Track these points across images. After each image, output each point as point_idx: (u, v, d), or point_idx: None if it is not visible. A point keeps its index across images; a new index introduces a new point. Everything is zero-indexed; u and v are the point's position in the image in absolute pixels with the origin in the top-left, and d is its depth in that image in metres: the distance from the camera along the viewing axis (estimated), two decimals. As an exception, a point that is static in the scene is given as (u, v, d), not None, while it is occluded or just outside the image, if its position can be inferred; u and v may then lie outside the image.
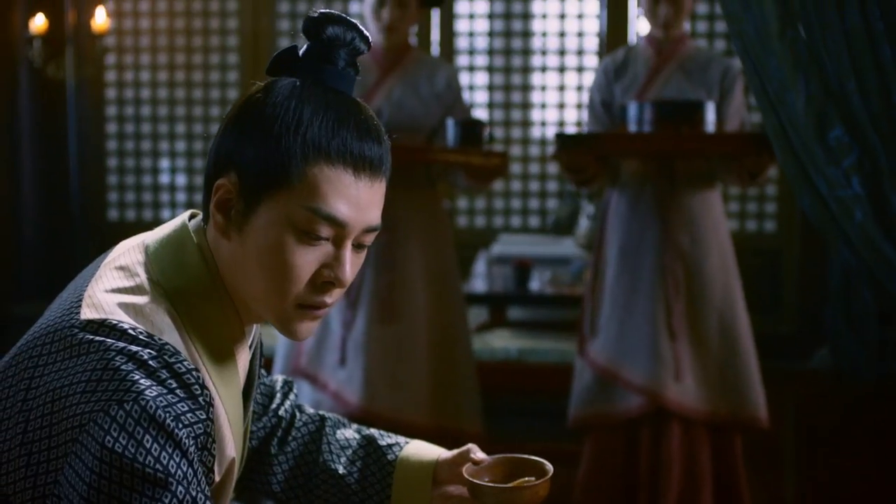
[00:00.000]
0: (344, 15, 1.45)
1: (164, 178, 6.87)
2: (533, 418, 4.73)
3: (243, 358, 1.52)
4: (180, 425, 1.31)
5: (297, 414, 1.84)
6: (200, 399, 1.35)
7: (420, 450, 1.77)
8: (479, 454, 1.67)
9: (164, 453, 1.29)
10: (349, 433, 1.81)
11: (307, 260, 1.42)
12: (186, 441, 1.31)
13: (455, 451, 1.71)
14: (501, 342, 5.01)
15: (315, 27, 1.44)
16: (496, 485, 1.61)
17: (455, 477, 1.70)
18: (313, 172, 1.39)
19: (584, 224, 5.61)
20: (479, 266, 5.88)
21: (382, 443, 1.78)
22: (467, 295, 5.18)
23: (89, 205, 6.61)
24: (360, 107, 1.45)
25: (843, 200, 2.27)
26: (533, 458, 1.63)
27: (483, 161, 3.66)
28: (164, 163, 6.87)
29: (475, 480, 1.62)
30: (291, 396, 1.85)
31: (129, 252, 1.49)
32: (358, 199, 1.42)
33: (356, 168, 1.41)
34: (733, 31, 2.34)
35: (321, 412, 1.85)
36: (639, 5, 3.87)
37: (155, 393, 1.30)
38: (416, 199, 3.83)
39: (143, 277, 1.44)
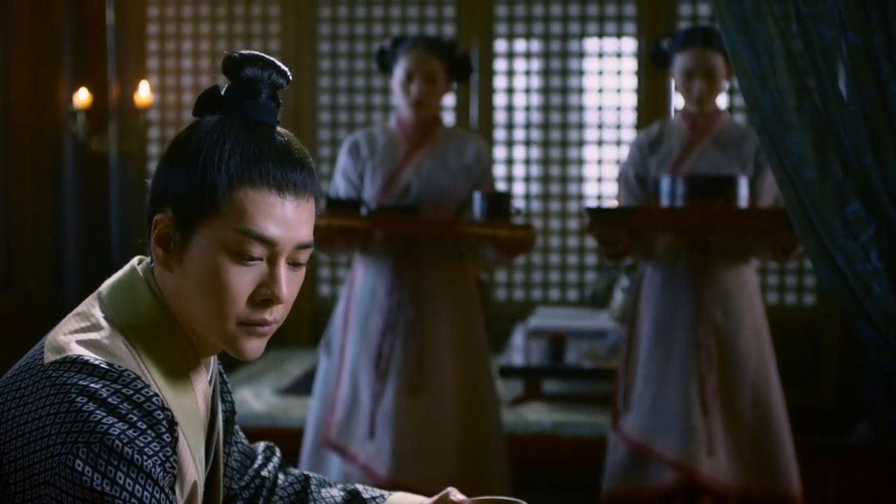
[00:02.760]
0: (261, 54, 1.54)
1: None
2: (566, 492, 4.68)
3: (202, 387, 1.58)
4: (145, 457, 1.38)
5: (281, 475, 1.87)
6: (164, 422, 1.43)
7: (402, 500, 1.81)
8: (458, 496, 1.70)
9: (137, 486, 1.36)
10: (334, 491, 1.85)
11: (243, 280, 1.49)
12: (154, 470, 1.39)
13: (435, 497, 1.74)
14: (535, 415, 4.99)
15: (234, 67, 1.53)
16: None
17: None
18: (239, 196, 1.47)
19: (618, 297, 5.60)
20: (517, 339, 5.88)
21: (366, 496, 1.82)
22: (504, 368, 5.18)
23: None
24: (280, 133, 1.53)
25: (861, 275, 2.26)
26: (511, 498, 1.64)
27: (509, 234, 3.67)
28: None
29: None
30: (274, 459, 1.89)
31: (86, 301, 1.57)
32: (285, 218, 1.49)
33: (280, 189, 1.49)
34: (750, 105, 2.35)
35: (305, 472, 1.89)
36: (673, 80, 3.89)
37: (118, 430, 1.37)
38: (444, 271, 3.86)
39: (97, 316, 1.52)
